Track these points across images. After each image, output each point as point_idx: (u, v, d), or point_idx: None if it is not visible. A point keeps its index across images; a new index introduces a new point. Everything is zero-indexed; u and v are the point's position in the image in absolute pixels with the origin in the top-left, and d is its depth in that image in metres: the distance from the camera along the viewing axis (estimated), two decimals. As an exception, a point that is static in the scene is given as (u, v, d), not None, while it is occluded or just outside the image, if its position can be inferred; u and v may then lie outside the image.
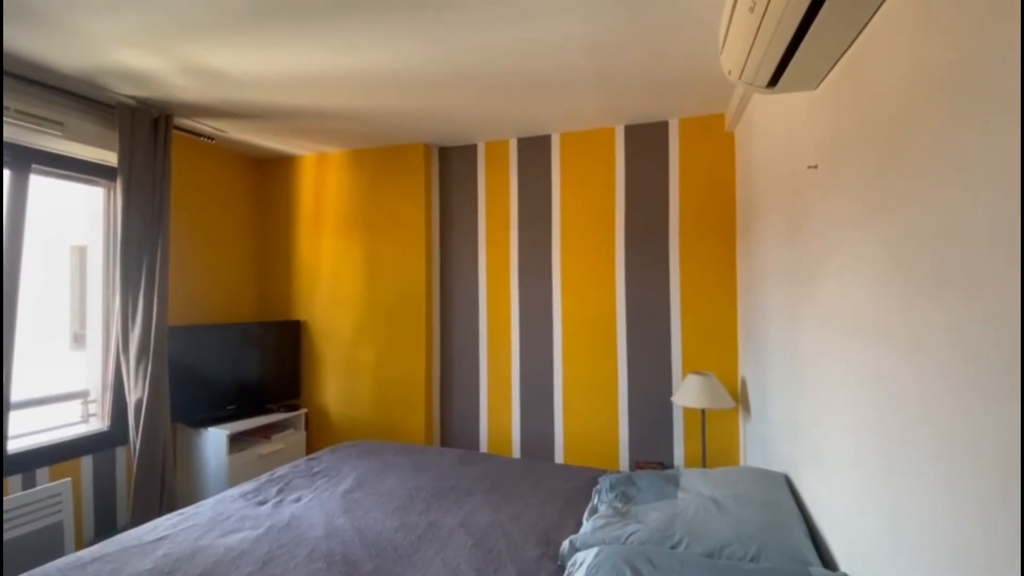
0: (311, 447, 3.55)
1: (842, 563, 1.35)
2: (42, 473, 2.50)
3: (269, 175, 3.81)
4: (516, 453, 3.34)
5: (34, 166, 2.52)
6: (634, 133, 3.12)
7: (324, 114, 2.88)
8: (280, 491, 2.13)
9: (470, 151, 3.49)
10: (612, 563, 1.31)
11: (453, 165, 3.54)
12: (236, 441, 3.08)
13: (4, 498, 2.25)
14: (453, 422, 3.51)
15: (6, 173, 2.43)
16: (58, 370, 3.11)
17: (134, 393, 2.71)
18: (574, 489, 2.11)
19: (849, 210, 1.28)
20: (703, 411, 2.72)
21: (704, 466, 2.76)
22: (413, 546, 1.68)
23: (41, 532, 2.31)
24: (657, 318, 3.06)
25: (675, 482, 1.88)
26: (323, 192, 3.68)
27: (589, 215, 3.20)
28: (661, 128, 3.07)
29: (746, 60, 1.27)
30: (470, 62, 2.23)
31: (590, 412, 3.17)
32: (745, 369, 2.77)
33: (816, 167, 1.52)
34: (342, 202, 3.62)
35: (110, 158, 2.70)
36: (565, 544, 1.57)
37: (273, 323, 3.56)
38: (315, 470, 2.37)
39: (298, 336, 3.67)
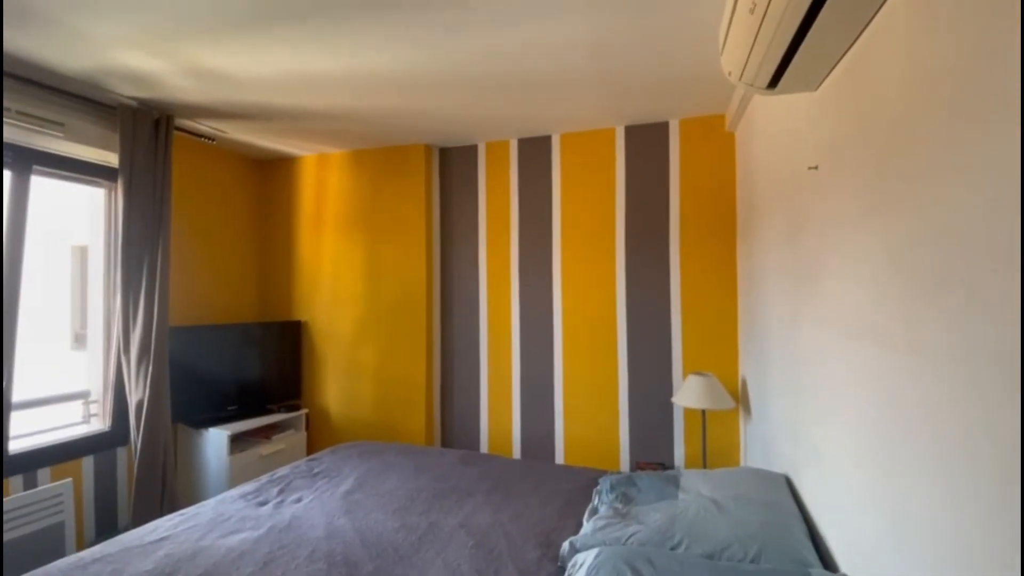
0: (312, 448, 3.55)
1: (842, 564, 1.35)
2: (43, 473, 2.51)
3: (270, 176, 3.82)
4: (516, 454, 3.34)
5: (35, 167, 2.53)
6: (634, 133, 3.12)
7: (325, 115, 2.88)
8: (281, 492, 2.13)
9: (471, 151, 3.49)
10: (612, 564, 1.31)
11: (454, 165, 3.54)
12: (237, 441, 3.08)
13: (6, 498, 2.25)
14: (454, 423, 3.51)
15: (8, 174, 2.43)
16: (59, 370, 3.11)
17: (135, 393, 2.71)
18: (574, 490, 2.11)
19: (849, 211, 1.28)
20: (703, 412, 2.72)
21: (704, 467, 2.76)
22: (414, 547, 1.68)
23: (42, 532, 2.32)
24: (657, 318, 3.06)
25: (675, 483, 1.88)
26: (324, 192, 3.68)
27: (590, 216, 3.20)
28: (661, 128, 3.07)
29: (746, 61, 1.27)
30: (471, 63, 2.23)
31: (590, 412, 3.17)
32: (745, 370, 2.77)
33: (816, 168, 1.52)
34: (343, 203, 3.63)
35: (111, 159, 2.70)
36: (565, 545, 1.57)
37: (274, 323, 3.57)
38: (316, 471, 2.37)
39: (299, 336, 3.67)
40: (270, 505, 2.01)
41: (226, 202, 3.57)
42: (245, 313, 3.69)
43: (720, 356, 2.94)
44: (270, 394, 3.48)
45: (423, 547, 1.67)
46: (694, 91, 2.60)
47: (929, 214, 0.90)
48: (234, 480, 2.89)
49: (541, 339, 3.30)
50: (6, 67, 2.21)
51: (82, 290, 2.97)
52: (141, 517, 2.59)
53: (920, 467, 0.94)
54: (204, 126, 3.06)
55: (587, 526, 1.67)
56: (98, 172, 2.80)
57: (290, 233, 3.75)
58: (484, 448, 3.42)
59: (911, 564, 0.97)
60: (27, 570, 1.58)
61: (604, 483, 1.98)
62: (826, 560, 1.43)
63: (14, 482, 2.40)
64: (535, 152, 3.33)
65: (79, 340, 3.01)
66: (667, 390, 3.02)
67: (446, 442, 3.52)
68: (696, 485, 1.82)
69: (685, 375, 2.97)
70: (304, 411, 3.50)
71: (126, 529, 2.69)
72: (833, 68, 1.35)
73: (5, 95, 2.21)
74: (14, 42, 2.02)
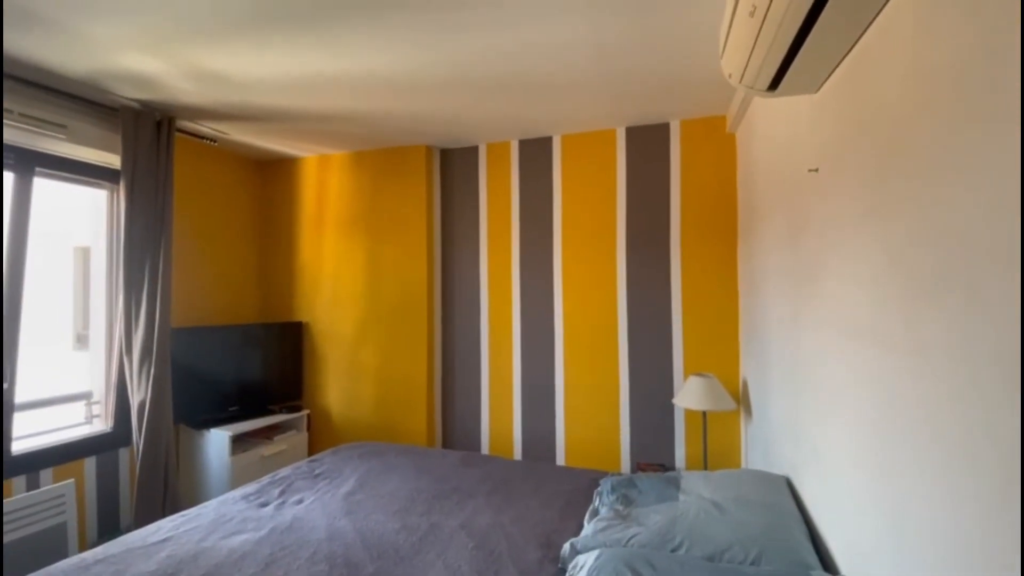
0: (313, 448, 3.55)
1: (842, 565, 1.35)
2: (46, 474, 2.51)
3: (271, 177, 3.83)
4: (517, 455, 3.34)
5: (38, 169, 2.53)
6: (635, 135, 3.12)
7: (325, 116, 2.89)
8: (282, 493, 2.14)
9: (471, 153, 3.50)
10: (613, 566, 1.31)
11: (454, 167, 3.55)
12: (238, 442, 3.09)
13: (9, 499, 2.26)
14: (455, 424, 3.51)
15: (10, 176, 2.44)
16: (61, 372, 3.12)
17: (137, 394, 2.72)
18: (575, 491, 2.11)
19: (849, 212, 1.28)
20: (704, 413, 2.72)
21: (705, 468, 2.76)
22: (415, 548, 1.68)
23: (45, 533, 2.32)
24: (658, 320, 3.06)
25: (676, 484, 1.88)
26: (325, 194, 3.69)
27: (590, 217, 3.20)
28: (662, 130, 3.07)
29: (747, 64, 1.27)
30: (471, 63, 2.24)
31: (591, 414, 3.17)
32: (746, 371, 2.77)
33: (817, 170, 1.52)
34: (344, 204, 3.63)
35: (113, 160, 2.71)
36: (566, 546, 1.57)
37: (275, 324, 3.57)
38: (317, 471, 2.37)
39: (300, 337, 3.67)
40: (271, 506, 2.01)
41: (227, 203, 3.58)
42: (246, 314, 3.70)
43: (721, 357, 2.94)
44: (271, 395, 3.48)
45: (424, 548, 1.68)
46: (695, 92, 2.60)
47: (929, 214, 0.90)
48: (236, 481, 2.90)
49: (542, 340, 3.30)
50: (8, 69, 2.22)
51: (84, 291, 2.98)
52: (143, 518, 2.60)
53: (920, 467, 0.94)
54: (205, 127, 3.07)
55: (588, 527, 1.67)
56: (100, 174, 2.81)
57: (291, 234, 3.76)
58: (485, 449, 3.42)
59: (911, 564, 0.97)
60: (30, 571, 1.59)
61: (605, 484, 1.99)
62: (826, 562, 1.43)
63: (17, 483, 2.40)
64: (536, 153, 3.34)
65: (81, 341, 3.02)
66: (668, 391, 3.02)
67: (447, 443, 3.52)
68: (697, 487, 1.82)
69: (686, 376, 2.97)
70: (305, 412, 3.50)
71: (128, 530, 2.70)
72: (833, 71, 1.35)
73: (7, 97, 2.22)
74: (16, 44, 2.03)
